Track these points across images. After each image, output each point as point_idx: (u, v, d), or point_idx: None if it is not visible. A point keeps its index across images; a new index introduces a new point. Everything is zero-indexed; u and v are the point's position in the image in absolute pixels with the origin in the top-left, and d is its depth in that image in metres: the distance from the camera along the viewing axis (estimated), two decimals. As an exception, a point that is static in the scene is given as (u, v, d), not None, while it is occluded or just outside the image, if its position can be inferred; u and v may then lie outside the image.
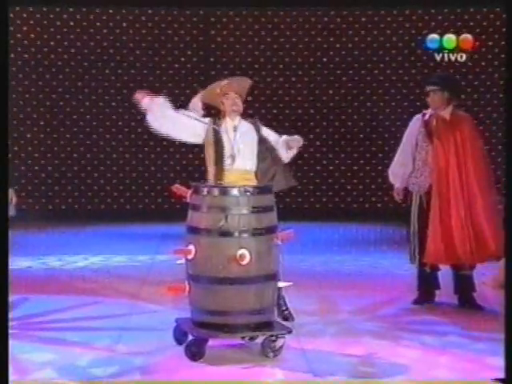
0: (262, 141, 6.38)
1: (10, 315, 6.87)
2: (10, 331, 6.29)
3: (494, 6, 12.48)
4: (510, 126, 5.19)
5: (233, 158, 6.28)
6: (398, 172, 7.47)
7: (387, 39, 13.01)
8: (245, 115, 6.55)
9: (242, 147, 6.30)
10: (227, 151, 6.28)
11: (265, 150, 6.37)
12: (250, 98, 13.07)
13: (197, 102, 6.61)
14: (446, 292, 7.47)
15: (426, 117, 7.37)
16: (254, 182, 6.22)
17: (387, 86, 13.07)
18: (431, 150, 7.25)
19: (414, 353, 6.02)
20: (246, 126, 6.41)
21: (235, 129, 6.36)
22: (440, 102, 7.30)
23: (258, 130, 6.41)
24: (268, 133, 6.49)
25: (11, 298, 7.25)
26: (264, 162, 6.36)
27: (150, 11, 12.97)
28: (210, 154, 6.33)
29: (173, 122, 6.37)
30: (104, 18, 12.91)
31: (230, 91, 6.43)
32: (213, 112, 6.74)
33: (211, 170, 6.31)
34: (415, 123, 7.41)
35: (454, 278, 7.39)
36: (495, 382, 5.26)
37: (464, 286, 7.32)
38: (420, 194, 7.31)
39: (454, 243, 7.14)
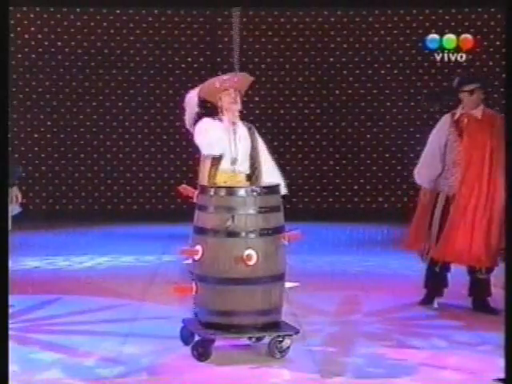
0: (255, 147, 6.31)
1: (18, 316, 6.89)
2: (15, 333, 6.32)
3: (494, 6, 12.41)
4: (510, 125, 5.18)
5: (234, 161, 6.23)
6: (425, 173, 7.27)
7: (388, 39, 12.98)
8: (243, 114, 6.46)
9: (242, 150, 6.24)
10: (228, 154, 6.20)
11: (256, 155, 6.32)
12: (256, 99, 13.14)
13: (193, 96, 6.41)
14: (454, 293, 7.43)
15: (456, 116, 7.20)
16: (244, 184, 6.19)
17: (394, 86, 13.05)
18: (462, 150, 7.10)
19: (421, 354, 5.99)
20: (243, 129, 6.32)
21: (235, 131, 6.27)
22: (478, 101, 7.12)
23: (252, 135, 6.33)
24: (261, 145, 6.38)
25: (17, 297, 7.28)
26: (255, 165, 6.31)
27: (156, 12, 12.97)
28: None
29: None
30: (111, 18, 12.90)
31: (230, 87, 6.24)
32: (208, 106, 6.54)
33: (205, 170, 6.20)
34: (444, 123, 7.22)
35: (470, 281, 7.26)
36: (495, 382, 5.25)
37: (480, 289, 7.20)
38: (448, 195, 7.17)
39: (478, 243, 7.03)
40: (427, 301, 7.39)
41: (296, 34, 13.04)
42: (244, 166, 6.28)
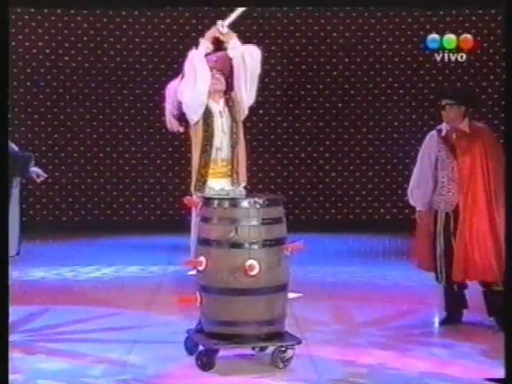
0: (235, 131, 6.14)
1: (24, 325, 6.96)
2: (21, 342, 6.38)
3: (494, 6, 12.42)
4: (509, 126, 5.21)
5: (219, 149, 6.10)
6: (418, 194, 7.12)
7: (389, 40, 13.03)
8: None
9: (226, 136, 6.12)
10: (216, 140, 6.09)
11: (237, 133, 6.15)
12: (256, 105, 13.09)
13: (177, 81, 6.27)
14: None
15: (443, 132, 7.06)
16: (228, 169, 6.15)
17: (401, 93, 13.06)
18: (457, 166, 6.96)
19: (422, 364, 6.02)
20: (226, 112, 6.16)
21: (221, 114, 6.16)
22: (456, 116, 7.04)
23: (234, 114, 6.15)
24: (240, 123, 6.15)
25: (24, 307, 7.35)
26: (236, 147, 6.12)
27: (161, 14, 12.96)
28: (197, 140, 6.08)
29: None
30: (112, 20, 12.90)
31: (210, 67, 6.08)
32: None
33: (196, 158, 6.09)
34: (431, 141, 7.09)
35: (485, 297, 7.03)
36: (495, 382, 5.29)
37: (498, 302, 6.76)
38: (447, 212, 7.00)
39: (490, 256, 6.86)
40: (448, 321, 7.14)
41: (298, 35, 13.07)
42: (225, 152, 6.13)
